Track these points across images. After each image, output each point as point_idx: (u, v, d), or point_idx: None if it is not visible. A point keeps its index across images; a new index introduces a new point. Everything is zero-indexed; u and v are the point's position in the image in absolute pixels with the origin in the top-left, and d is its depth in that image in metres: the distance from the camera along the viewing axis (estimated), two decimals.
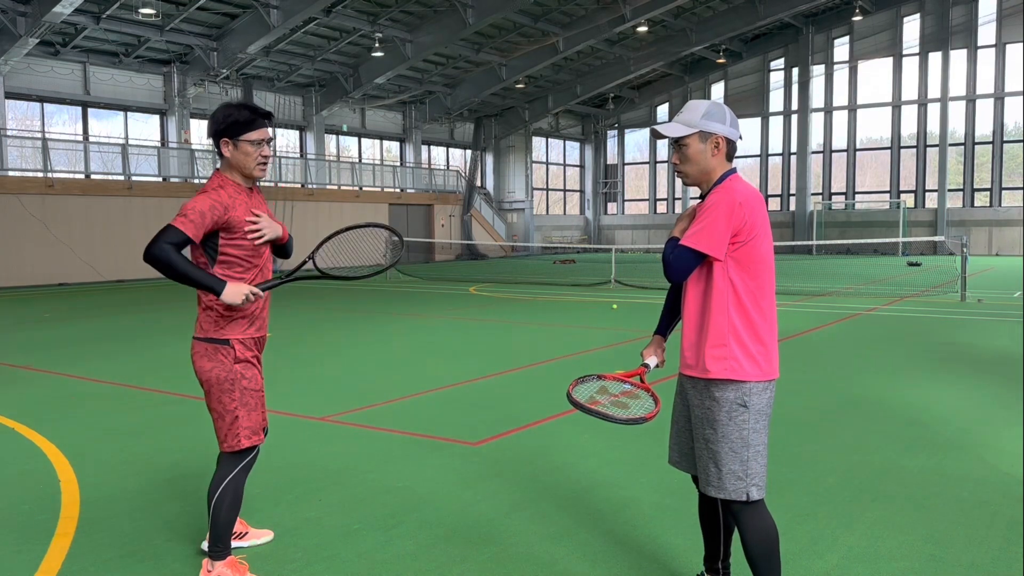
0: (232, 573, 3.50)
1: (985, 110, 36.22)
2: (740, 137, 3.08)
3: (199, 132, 28.50)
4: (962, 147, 36.77)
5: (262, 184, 28.34)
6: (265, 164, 3.55)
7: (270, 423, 4.29)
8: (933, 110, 37.10)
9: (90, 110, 26.60)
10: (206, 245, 3.45)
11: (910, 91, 37.59)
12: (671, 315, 3.31)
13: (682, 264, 2.93)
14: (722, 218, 2.87)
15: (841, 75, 39.03)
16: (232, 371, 3.49)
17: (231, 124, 3.45)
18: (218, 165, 3.61)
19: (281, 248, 3.73)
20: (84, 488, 4.82)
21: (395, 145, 37.82)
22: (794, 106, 40.05)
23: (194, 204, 3.38)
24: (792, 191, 40.57)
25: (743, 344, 2.92)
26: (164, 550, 3.91)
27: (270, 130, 3.57)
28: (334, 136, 34.58)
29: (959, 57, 36.31)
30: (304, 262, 3.78)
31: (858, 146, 39.25)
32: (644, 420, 2.96)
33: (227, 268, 3.48)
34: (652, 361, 3.27)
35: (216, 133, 3.49)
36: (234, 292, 3.35)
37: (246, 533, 3.97)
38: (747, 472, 2.94)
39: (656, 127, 3.06)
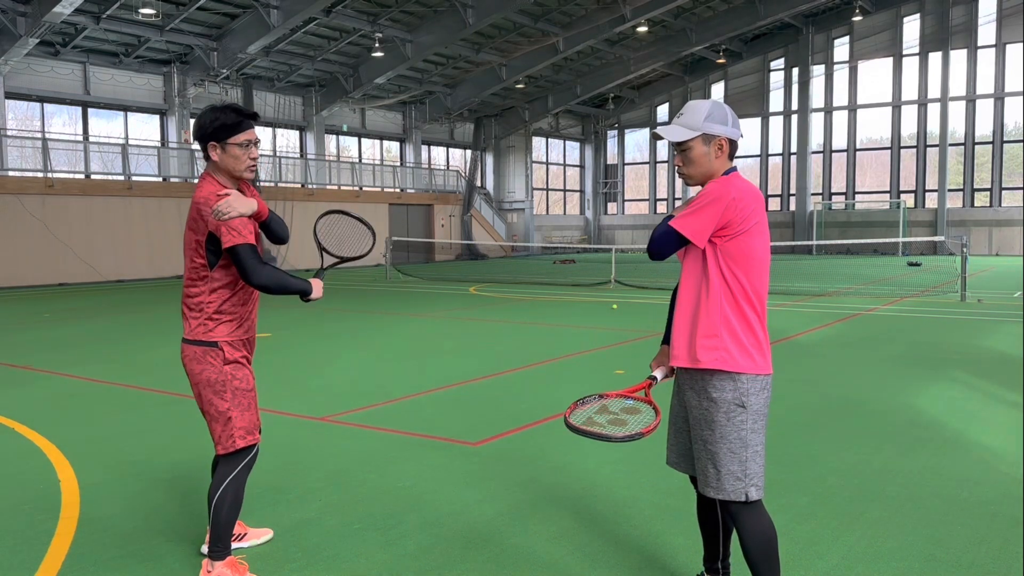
0: (232, 573, 3.50)
1: (985, 110, 36.22)
2: (741, 136, 3.08)
3: None
4: (962, 147, 36.77)
5: (263, 185, 28.36)
6: (254, 165, 3.55)
7: (271, 424, 4.29)
8: (933, 110, 37.09)
9: (90, 110, 26.59)
10: (208, 246, 3.44)
11: (910, 91, 37.59)
12: None
13: (663, 242, 2.96)
14: (712, 207, 2.88)
15: (841, 75, 39.03)
16: (223, 372, 3.50)
17: (219, 127, 3.44)
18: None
19: (269, 230, 3.65)
20: (84, 488, 4.82)
21: (395, 145, 37.81)
22: (794, 106, 40.05)
23: (232, 220, 3.39)
24: (792, 191, 40.57)
25: (735, 336, 2.93)
26: (164, 550, 3.91)
27: (257, 131, 3.58)
28: (334, 136, 34.58)
29: (959, 57, 36.30)
30: (322, 253, 3.88)
31: (858, 146, 39.24)
32: (641, 436, 2.92)
33: (226, 270, 3.49)
34: (660, 373, 3.23)
35: (203, 137, 3.47)
36: (318, 288, 3.61)
37: (245, 534, 3.97)
38: (746, 472, 2.94)
39: (657, 130, 3.05)
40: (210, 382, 3.50)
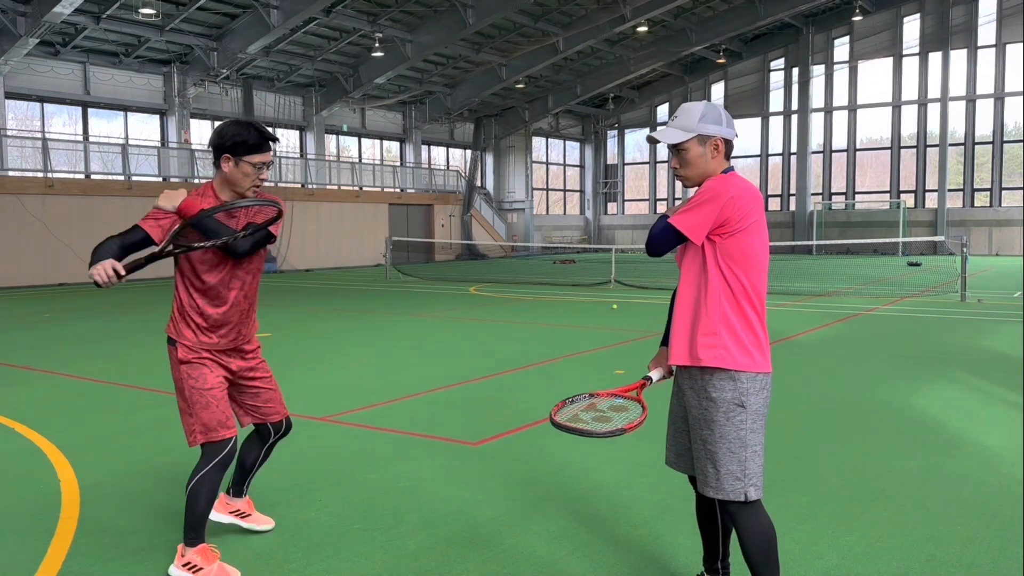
0: (202, 561, 3.56)
1: (985, 110, 36.22)
2: (736, 135, 3.08)
3: (199, 132, 28.51)
4: (962, 147, 36.76)
5: (263, 184, 28.36)
6: (259, 187, 3.59)
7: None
8: (933, 110, 37.09)
9: (90, 110, 26.59)
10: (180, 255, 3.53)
11: (910, 91, 37.58)
12: None
13: (661, 239, 2.98)
14: (710, 204, 2.89)
15: (841, 75, 39.02)
16: (179, 371, 3.60)
17: (239, 143, 3.46)
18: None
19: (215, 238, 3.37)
20: (84, 488, 4.82)
21: (395, 145, 37.81)
22: (794, 106, 40.02)
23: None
24: (792, 191, 40.55)
25: (735, 334, 2.93)
26: (164, 550, 3.91)
27: (272, 155, 3.59)
28: (334, 136, 34.57)
29: (959, 57, 36.30)
30: (168, 245, 3.35)
31: (858, 146, 39.23)
32: (623, 432, 2.90)
33: (180, 272, 3.57)
34: (656, 375, 3.22)
35: (220, 147, 3.49)
36: (99, 271, 3.18)
37: (250, 515, 4.04)
38: (745, 472, 2.94)
39: (653, 134, 3.06)
40: (174, 379, 3.63)
